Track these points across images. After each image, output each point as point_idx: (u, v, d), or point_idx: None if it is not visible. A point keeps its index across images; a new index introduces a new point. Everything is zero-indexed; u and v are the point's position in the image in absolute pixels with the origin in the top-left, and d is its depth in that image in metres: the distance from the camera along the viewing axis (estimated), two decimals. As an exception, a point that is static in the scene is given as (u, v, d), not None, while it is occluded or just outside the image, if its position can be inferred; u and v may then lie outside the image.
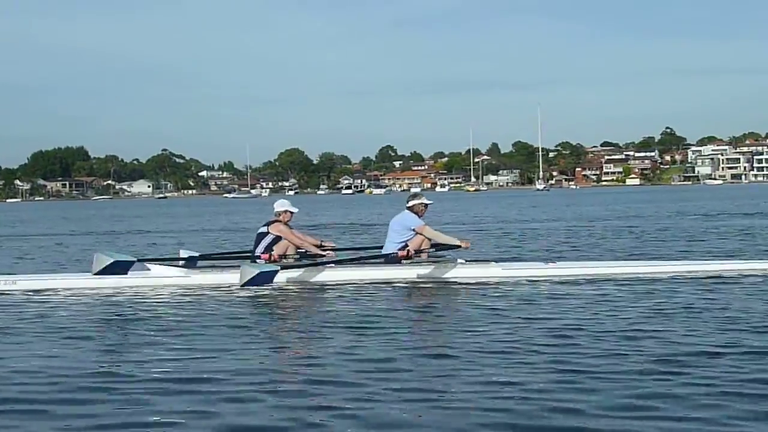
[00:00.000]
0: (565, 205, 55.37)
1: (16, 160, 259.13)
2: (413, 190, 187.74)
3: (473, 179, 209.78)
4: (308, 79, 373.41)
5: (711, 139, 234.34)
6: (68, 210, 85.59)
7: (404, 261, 13.20)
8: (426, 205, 13.73)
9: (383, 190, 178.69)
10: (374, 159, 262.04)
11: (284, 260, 12.99)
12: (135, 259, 13.14)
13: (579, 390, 6.07)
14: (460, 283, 12.44)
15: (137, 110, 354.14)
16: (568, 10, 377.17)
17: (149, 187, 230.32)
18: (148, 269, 13.19)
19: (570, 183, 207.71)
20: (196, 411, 5.78)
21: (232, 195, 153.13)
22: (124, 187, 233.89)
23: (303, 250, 13.30)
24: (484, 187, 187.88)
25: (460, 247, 13.22)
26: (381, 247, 13.85)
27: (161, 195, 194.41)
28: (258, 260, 12.93)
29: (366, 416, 5.59)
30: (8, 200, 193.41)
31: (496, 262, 13.68)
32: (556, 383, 6.27)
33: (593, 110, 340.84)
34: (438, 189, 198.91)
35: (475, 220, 36.21)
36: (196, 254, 14.36)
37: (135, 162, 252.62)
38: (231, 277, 12.37)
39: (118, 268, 12.67)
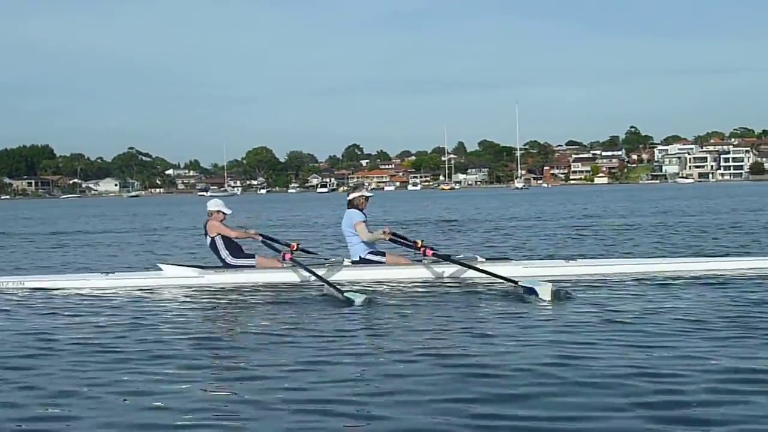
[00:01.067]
0: (559, 203, 55.58)
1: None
2: (387, 188, 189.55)
3: (446, 178, 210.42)
4: (275, 77, 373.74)
5: (675, 139, 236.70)
6: (39, 209, 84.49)
7: (426, 259, 12.75)
8: (367, 198, 13.29)
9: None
10: (341, 158, 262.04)
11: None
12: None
13: (601, 394, 5.95)
14: (481, 282, 12.15)
15: (102, 108, 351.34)
16: (531, 9, 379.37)
17: (116, 185, 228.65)
18: (160, 269, 13.15)
19: (539, 181, 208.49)
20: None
21: (209, 193, 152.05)
22: (91, 185, 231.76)
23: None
24: (457, 186, 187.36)
25: (381, 239, 12.85)
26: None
27: (134, 194, 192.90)
28: (229, 266, 12.91)
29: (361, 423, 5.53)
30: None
31: (515, 260, 13.55)
32: (576, 387, 6.14)
33: (557, 109, 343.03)
34: (410, 187, 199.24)
35: (516, 216, 36.18)
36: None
37: (99, 160, 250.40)
38: (243, 278, 12.63)
39: None
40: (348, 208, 13.13)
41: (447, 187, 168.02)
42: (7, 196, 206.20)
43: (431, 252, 12.60)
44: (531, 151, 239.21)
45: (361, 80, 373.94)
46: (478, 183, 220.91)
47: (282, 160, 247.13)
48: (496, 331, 8.42)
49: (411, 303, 10.53)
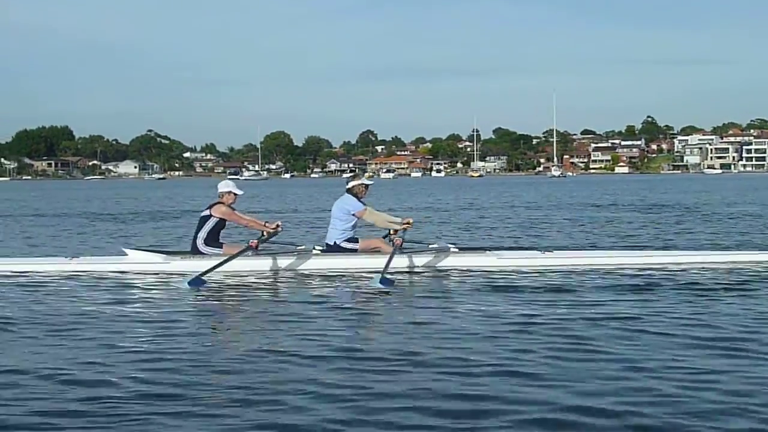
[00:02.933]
0: (631, 192, 54.85)
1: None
2: (414, 174, 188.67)
3: (465, 166, 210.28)
4: (285, 62, 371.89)
5: (692, 129, 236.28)
6: (77, 191, 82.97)
7: (397, 249, 12.31)
8: (367, 186, 13.01)
9: (392, 174, 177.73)
10: (355, 143, 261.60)
11: (225, 247, 12.54)
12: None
13: (572, 386, 5.88)
14: (453, 272, 11.94)
15: (114, 91, 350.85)
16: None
17: (135, 167, 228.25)
18: (125, 254, 12.83)
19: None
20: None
21: (243, 177, 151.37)
22: (110, 167, 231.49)
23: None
24: (484, 173, 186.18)
25: (406, 228, 12.60)
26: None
27: (161, 176, 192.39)
28: (198, 251, 12.49)
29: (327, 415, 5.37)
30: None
31: (490, 250, 13.28)
32: (549, 381, 6.05)
33: (572, 99, 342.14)
34: (434, 174, 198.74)
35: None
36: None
37: (115, 142, 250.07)
38: (209, 265, 11.79)
39: None
40: (346, 194, 12.92)
41: (476, 174, 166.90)
42: (29, 177, 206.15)
43: (400, 241, 12.39)
44: (549, 139, 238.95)
45: (371, 66, 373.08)
46: (497, 171, 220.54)
47: (299, 144, 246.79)
48: (416, 321, 8.42)
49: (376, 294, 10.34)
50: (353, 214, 12.64)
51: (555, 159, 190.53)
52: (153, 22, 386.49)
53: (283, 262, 12.46)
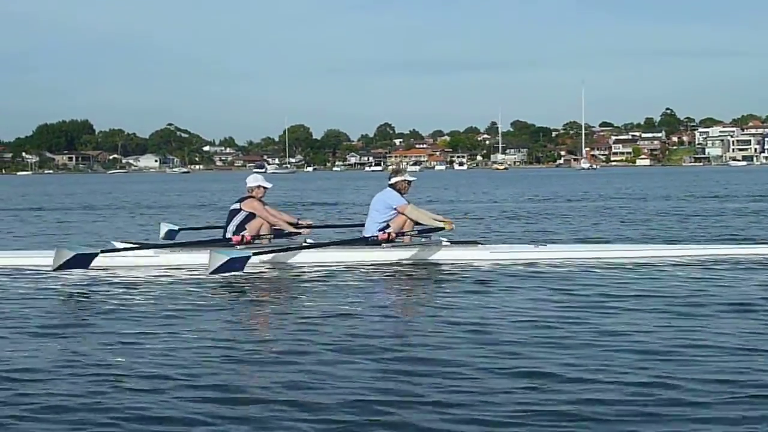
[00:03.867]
0: (665, 185, 54.07)
1: (14, 134, 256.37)
2: (438, 167, 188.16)
3: (485, 159, 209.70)
4: (300, 55, 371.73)
5: (712, 121, 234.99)
6: (113, 184, 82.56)
7: (384, 244, 12.39)
8: (410, 182, 12.90)
9: (418, 167, 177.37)
10: (373, 137, 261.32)
11: (257, 241, 12.36)
12: (98, 251, 11.93)
13: (563, 387, 5.80)
14: (443, 266, 11.85)
15: (133, 85, 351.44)
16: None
17: (156, 161, 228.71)
18: (116, 252, 12.47)
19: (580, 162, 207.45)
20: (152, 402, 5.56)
21: (270, 170, 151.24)
22: (131, 161, 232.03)
23: (278, 229, 12.66)
24: (507, 166, 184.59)
25: (443, 228, 12.49)
26: (362, 226, 13.16)
27: (184, 170, 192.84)
28: (230, 241, 12.38)
29: (340, 408, 5.34)
30: (18, 173, 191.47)
31: (483, 244, 13.17)
32: (537, 378, 5.98)
33: (589, 90, 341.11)
34: (456, 167, 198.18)
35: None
36: (176, 227, 14.18)
37: (134, 135, 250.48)
38: (202, 257, 11.45)
39: (81, 261, 11.51)
40: (388, 188, 12.82)
41: (502, 167, 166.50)
42: (51, 171, 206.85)
43: (386, 235, 12.36)
44: (569, 131, 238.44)
45: (388, 59, 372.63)
46: (517, 163, 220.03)
47: (317, 138, 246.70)
48: (423, 314, 8.50)
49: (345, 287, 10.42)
50: (395, 208, 12.51)
51: (584, 151, 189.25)
52: (171, 15, 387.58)
53: (331, 253, 12.30)
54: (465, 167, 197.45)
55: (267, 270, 11.78)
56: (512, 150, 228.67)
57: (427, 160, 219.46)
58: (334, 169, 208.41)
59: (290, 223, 12.72)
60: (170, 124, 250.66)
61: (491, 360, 6.48)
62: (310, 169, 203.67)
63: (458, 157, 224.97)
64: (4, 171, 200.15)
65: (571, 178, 79.02)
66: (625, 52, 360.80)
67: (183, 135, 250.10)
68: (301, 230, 12.66)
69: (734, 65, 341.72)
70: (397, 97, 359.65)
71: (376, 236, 12.37)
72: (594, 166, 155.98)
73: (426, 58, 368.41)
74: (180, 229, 14.29)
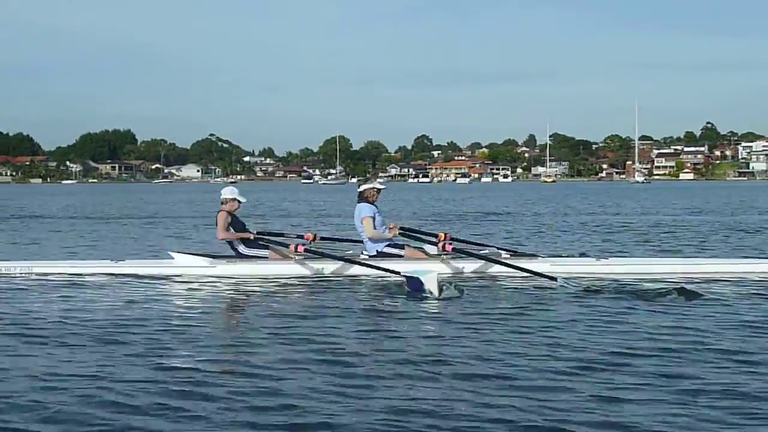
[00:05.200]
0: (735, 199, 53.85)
1: (55, 143, 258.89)
2: (484, 179, 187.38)
3: (525, 171, 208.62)
4: (333, 66, 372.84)
5: (753, 136, 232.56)
6: (165, 194, 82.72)
7: (444, 254, 12.30)
8: (378, 191, 12.82)
9: (467, 180, 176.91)
10: (410, 149, 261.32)
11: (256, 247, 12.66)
12: None
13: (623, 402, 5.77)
14: (505, 278, 11.75)
15: (174, 96, 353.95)
16: (593, 3, 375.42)
17: (198, 171, 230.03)
18: (172, 258, 12.83)
19: (622, 176, 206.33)
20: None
21: (322, 181, 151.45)
22: (173, 170, 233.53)
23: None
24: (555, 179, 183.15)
25: (394, 234, 12.54)
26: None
27: (231, 180, 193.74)
28: (246, 253, 12.59)
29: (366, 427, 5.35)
30: (63, 182, 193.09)
31: (543, 256, 13.01)
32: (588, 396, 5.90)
33: (626, 102, 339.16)
34: (501, 180, 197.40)
35: None
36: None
37: (174, 145, 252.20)
38: (254, 269, 12.25)
39: None
40: (358, 201, 12.77)
41: (549, 180, 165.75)
42: (95, 180, 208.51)
43: (451, 247, 12.22)
44: (611, 144, 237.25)
45: (424, 70, 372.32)
46: (558, 176, 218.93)
47: (356, 149, 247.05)
48: (508, 329, 8.32)
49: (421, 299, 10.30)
50: (362, 220, 12.51)
51: (636, 165, 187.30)
52: (209, 29, 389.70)
53: (330, 267, 12.35)
54: (510, 179, 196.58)
55: (325, 278, 12.06)
56: (553, 162, 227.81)
57: (467, 172, 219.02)
58: (378, 181, 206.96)
59: (245, 238, 12.70)
60: (212, 135, 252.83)
61: (567, 374, 6.46)
62: (354, 180, 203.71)
63: (502, 169, 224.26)
64: (49, 180, 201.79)
65: (629, 191, 78.23)
66: (663, 65, 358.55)
67: (224, 145, 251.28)
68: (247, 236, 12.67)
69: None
70: (433, 109, 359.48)
71: (440, 245, 12.31)
72: (647, 180, 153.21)
73: (460, 68, 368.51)
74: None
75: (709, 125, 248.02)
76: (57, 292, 11.08)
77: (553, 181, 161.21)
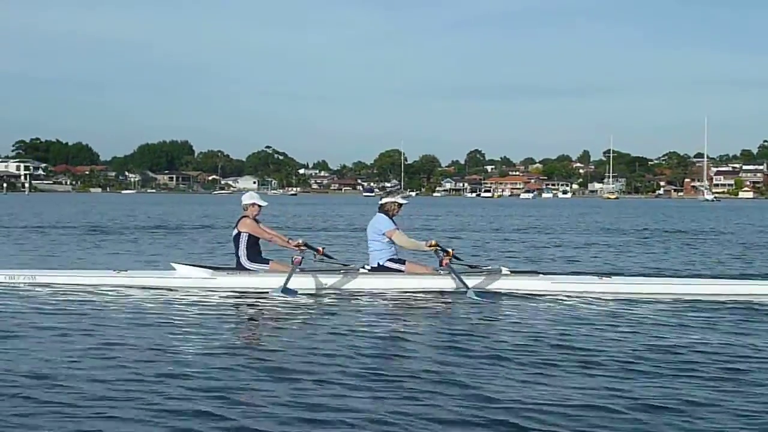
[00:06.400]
0: None
1: (110, 153, 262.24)
2: (544, 195, 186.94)
3: (583, 187, 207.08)
4: (380, 79, 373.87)
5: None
6: (229, 204, 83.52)
7: (441, 270, 12.23)
8: (400, 205, 12.72)
9: (531, 195, 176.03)
10: (463, 163, 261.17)
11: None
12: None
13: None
14: (502, 296, 11.65)
15: (230, 108, 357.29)
16: (636, 15, 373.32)
17: (254, 183, 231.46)
18: (173, 269, 12.78)
19: (679, 194, 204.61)
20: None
21: (374, 193, 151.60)
22: (230, 182, 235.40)
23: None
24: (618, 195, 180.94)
25: (425, 250, 12.41)
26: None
27: (292, 192, 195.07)
28: (243, 268, 12.48)
29: None
30: (123, 191, 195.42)
31: (544, 274, 12.87)
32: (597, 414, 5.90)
33: (680, 118, 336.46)
34: (560, 195, 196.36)
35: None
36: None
37: (228, 157, 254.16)
38: (256, 281, 12.18)
39: None
40: (378, 213, 12.72)
41: (612, 196, 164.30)
42: (153, 190, 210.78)
43: (446, 262, 12.08)
44: (670, 161, 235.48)
45: (476, 84, 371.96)
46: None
47: (410, 162, 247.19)
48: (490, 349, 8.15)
49: (426, 314, 10.42)
50: (383, 233, 12.43)
51: (706, 183, 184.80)
52: (265, 45, 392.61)
53: (329, 280, 12.36)
54: (569, 195, 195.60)
55: (325, 292, 12.08)
56: (609, 179, 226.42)
57: (523, 188, 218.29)
58: (434, 194, 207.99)
59: (284, 242, 12.69)
60: (268, 147, 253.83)
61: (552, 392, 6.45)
62: (413, 194, 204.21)
63: (561, 185, 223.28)
64: (108, 189, 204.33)
65: (703, 210, 76.45)
66: (718, 81, 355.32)
67: (279, 157, 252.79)
68: (295, 247, 12.46)
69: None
70: (486, 124, 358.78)
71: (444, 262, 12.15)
72: (717, 198, 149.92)
73: (511, 82, 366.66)
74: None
75: (766, 143, 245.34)
76: (56, 301, 11.15)
77: (616, 198, 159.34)
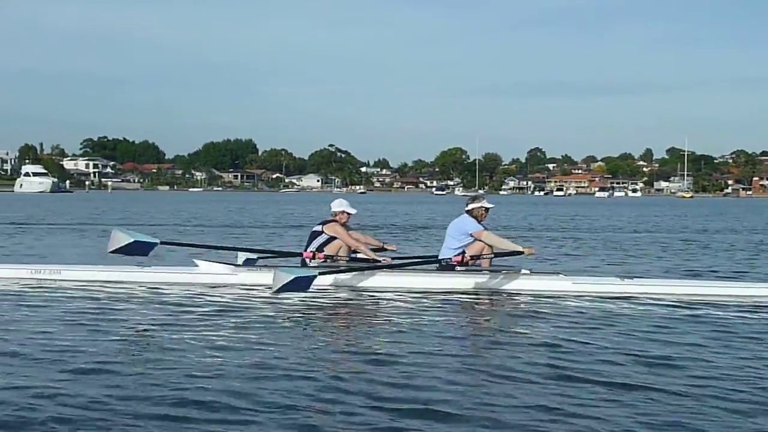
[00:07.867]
0: None
1: (173, 151, 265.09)
2: (617, 194, 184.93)
3: (646, 185, 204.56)
4: (444, 77, 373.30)
5: None
6: (304, 204, 78.97)
7: (459, 268, 12.21)
8: (487, 209, 12.67)
9: (606, 194, 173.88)
10: (524, 161, 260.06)
11: (330, 261, 12.30)
12: (158, 241, 12.82)
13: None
14: (522, 296, 11.56)
15: (293, 105, 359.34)
16: (697, 13, 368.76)
17: (318, 181, 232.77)
18: (196, 265, 12.77)
19: (748, 192, 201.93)
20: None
21: (461, 193, 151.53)
22: (294, 180, 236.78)
23: (356, 254, 12.51)
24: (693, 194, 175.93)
25: (522, 253, 12.17)
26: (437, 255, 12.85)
27: (361, 190, 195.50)
28: (305, 259, 12.40)
29: None
30: (190, 189, 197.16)
31: (565, 274, 12.59)
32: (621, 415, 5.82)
33: (741, 115, 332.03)
34: (630, 194, 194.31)
35: None
36: (254, 256, 13.50)
37: (291, 155, 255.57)
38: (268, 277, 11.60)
39: (138, 249, 12.33)
40: (464, 214, 12.63)
41: (687, 195, 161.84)
42: (219, 188, 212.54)
43: (460, 257, 12.16)
44: (738, 160, 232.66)
45: (537, 81, 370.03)
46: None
47: (472, 160, 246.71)
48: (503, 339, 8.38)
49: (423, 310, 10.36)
50: (470, 234, 12.32)
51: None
52: (326, 45, 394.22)
53: (402, 277, 12.31)
54: (639, 194, 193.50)
55: (335, 290, 11.84)
56: (676, 178, 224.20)
57: (588, 186, 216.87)
58: (501, 192, 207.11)
59: (372, 248, 12.59)
60: (331, 145, 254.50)
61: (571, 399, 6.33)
62: (482, 191, 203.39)
63: (631, 183, 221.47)
64: (176, 187, 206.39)
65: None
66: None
67: (341, 155, 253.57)
68: (381, 258, 12.37)
69: None
70: (546, 122, 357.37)
71: (450, 259, 12.30)
72: None
73: (569, 80, 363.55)
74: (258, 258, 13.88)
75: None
76: (84, 296, 11.26)
77: (691, 197, 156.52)
